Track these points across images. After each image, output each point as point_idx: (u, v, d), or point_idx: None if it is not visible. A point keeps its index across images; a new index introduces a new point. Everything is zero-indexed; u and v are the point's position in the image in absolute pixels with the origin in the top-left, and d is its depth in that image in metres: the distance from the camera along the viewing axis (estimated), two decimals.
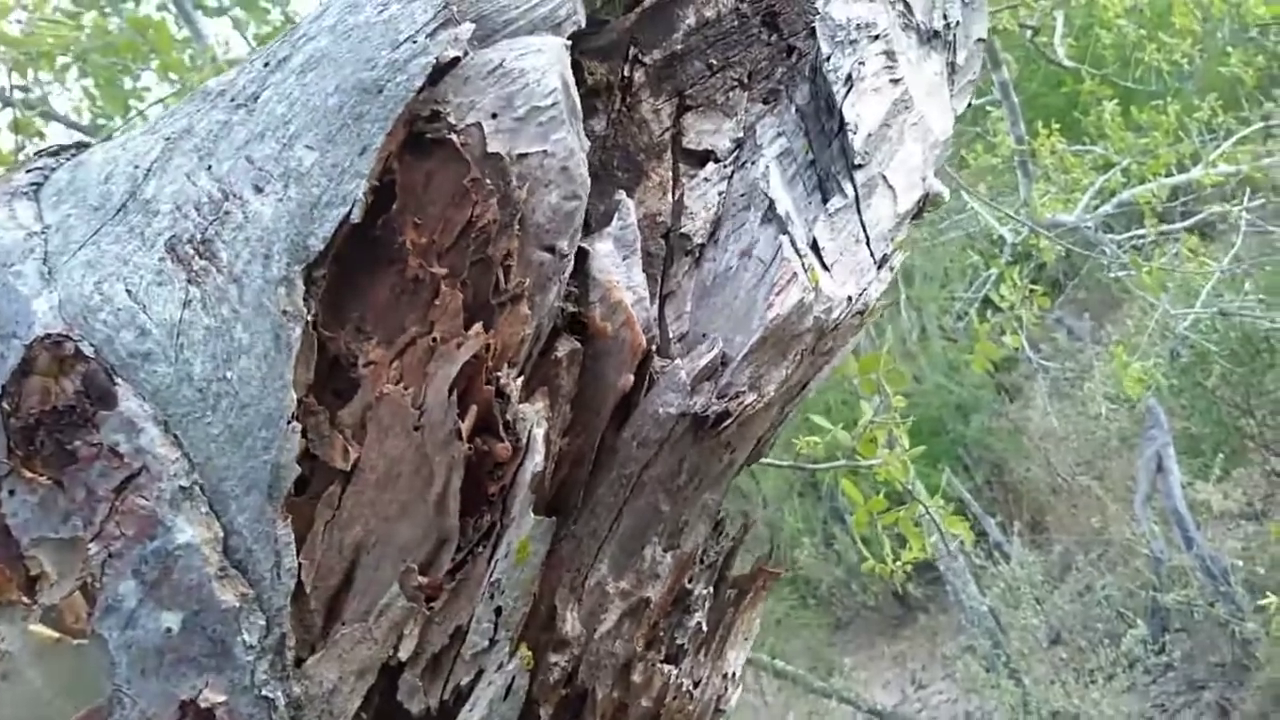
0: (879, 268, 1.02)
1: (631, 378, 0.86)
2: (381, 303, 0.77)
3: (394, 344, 0.76)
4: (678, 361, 0.90)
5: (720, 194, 1.03)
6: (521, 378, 0.80)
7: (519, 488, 0.77)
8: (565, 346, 0.85)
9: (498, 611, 0.82)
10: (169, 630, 0.72)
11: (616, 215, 0.93)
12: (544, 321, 0.82)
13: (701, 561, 0.97)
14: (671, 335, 0.95)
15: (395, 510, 0.76)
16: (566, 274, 0.83)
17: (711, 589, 0.97)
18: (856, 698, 7.76)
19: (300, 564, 0.73)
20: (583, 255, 0.90)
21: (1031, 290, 4.05)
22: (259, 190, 0.78)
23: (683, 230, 1.01)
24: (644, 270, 0.94)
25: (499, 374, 0.77)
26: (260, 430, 0.73)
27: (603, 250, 0.91)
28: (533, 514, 0.79)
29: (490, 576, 0.78)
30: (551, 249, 0.81)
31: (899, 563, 2.95)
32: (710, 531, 0.98)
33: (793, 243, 0.95)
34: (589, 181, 0.83)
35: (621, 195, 0.96)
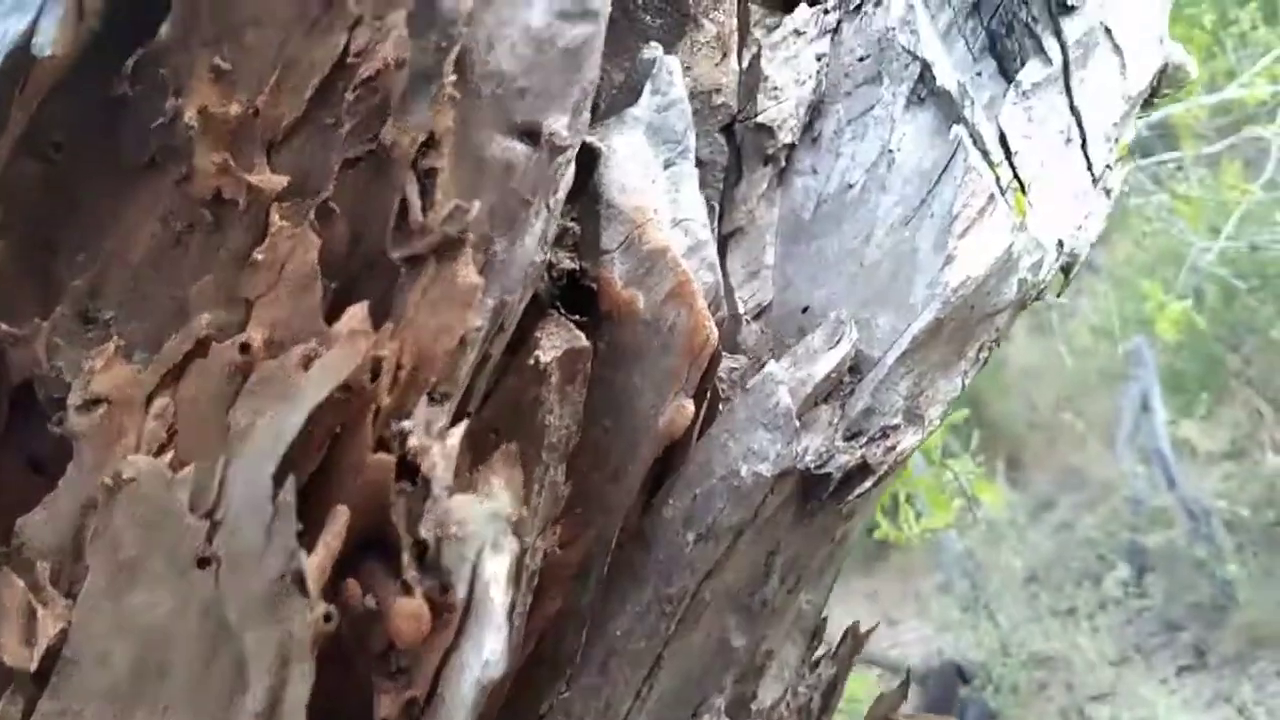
0: (1095, 186, 0.60)
1: (690, 406, 0.44)
2: (133, 255, 0.33)
3: (159, 356, 0.33)
4: (771, 366, 0.47)
5: (821, 57, 0.60)
6: (464, 422, 0.37)
7: (450, 706, 0.35)
8: (559, 342, 0.42)
9: None
10: None
11: (648, 85, 0.50)
12: (511, 297, 0.39)
13: (788, 706, 0.56)
14: (743, 310, 0.52)
15: None
16: (562, 192, 0.40)
17: None
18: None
19: None
20: (588, 159, 0.47)
21: None
22: None
23: (759, 119, 0.57)
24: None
25: (404, 424, 0.34)
26: None
27: (625, 150, 0.48)
28: None
29: None
30: (531, 133, 0.37)
31: (918, 530, 2.62)
32: (804, 653, 0.57)
33: (976, 141, 0.52)
34: None
35: (656, 51, 0.52)
